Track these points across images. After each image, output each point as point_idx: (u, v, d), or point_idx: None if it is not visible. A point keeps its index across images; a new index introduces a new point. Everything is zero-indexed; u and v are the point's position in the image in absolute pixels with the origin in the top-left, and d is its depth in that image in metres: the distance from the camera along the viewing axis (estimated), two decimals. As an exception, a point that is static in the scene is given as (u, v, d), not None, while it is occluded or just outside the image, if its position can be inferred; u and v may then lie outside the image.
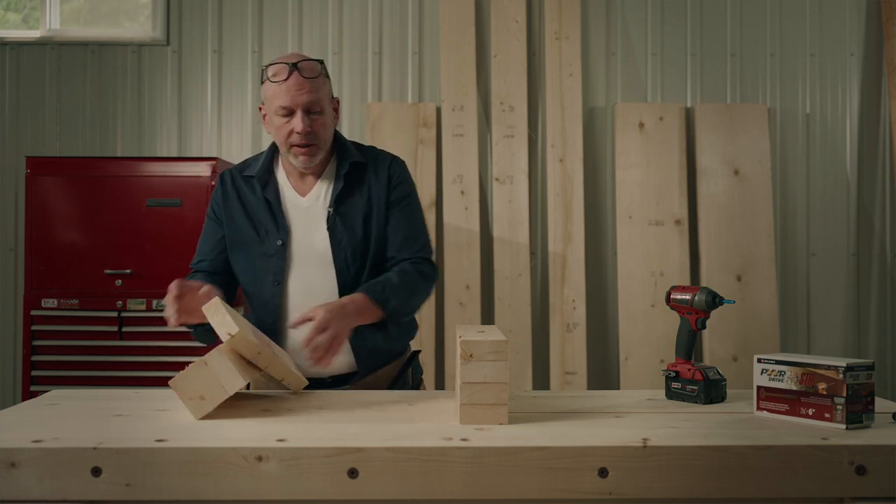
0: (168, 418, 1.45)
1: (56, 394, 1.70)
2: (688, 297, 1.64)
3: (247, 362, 1.57)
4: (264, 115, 1.90)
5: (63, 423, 1.40)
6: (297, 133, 1.82)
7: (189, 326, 1.77)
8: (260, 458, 1.20)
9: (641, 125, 3.86)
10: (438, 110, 3.86)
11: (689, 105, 3.97)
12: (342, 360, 1.86)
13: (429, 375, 3.52)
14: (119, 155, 3.87)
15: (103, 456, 1.20)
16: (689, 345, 1.65)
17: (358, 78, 3.93)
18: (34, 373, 3.25)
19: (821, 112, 4.01)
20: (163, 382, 1.51)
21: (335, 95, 1.95)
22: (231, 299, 1.90)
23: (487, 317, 3.79)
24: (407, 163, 2.03)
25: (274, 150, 1.96)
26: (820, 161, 4.00)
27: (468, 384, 1.39)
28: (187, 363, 1.49)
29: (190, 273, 1.96)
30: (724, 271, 3.78)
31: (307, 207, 1.90)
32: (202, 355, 1.50)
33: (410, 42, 3.95)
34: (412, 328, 2.01)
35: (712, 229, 3.81)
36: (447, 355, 3.66)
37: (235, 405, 1.55)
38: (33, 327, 3.27)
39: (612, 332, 3.89)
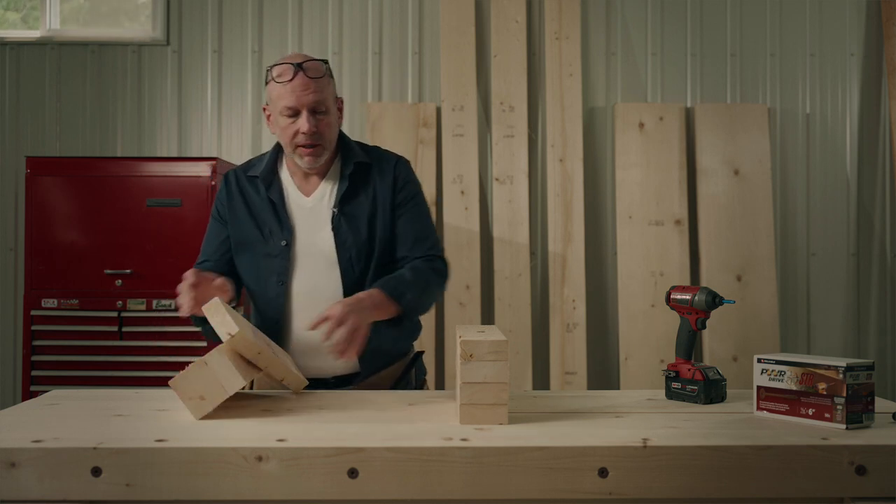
0: (168, 418, 1.45)
1: (56, 394, 1.70)
2: (688, 297, 1.64)
3: (247, 362, 1.57)
4: (268, 116, 1.90)
5: (63, 423, 1.40)
6: (303, 133, 1.82)
7: (197, 321, 1.77)
8: (260, 458, 1.20)
9: (641, 125, 3.86)
10: (438, 110, 3.86)
11: (689, 105, 3.97)
12: (345, 360, 1.86)
13: (429, 376, 3.51)
14: (119, 155, 3.87)
15: (103, 456, 1.20)
16: (689, 345, 1.65)
17: (358, 78, 3.93)
18: (34, 373, 3.25)
19: (821, 112, 4.01)
20: (163, 382, 1.51)
21: (339, 95, 1.94)
22: (237, 299, 1.90)
23: (487, 317, 3.79)
24: (408, 163, 2.03)
25: (278, 150, 1.95)
26: (820, 161, 4.00)
27: (468, 384, 1.39)
28: (187, 363, 1.49)
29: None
30: (724, 271, 3.78)
31: (311, 208, 1.90)
32: (202, 355, 1.50)
33: (410, 42, 3.95)
34: (416, 329, 2.01)
35: (712, 229, 3.81)
36: (447, 355, 3.67)
37: (235, 405, 1.55)
38: (33, 327, 3.27)
39: (612, 332, 3.89)
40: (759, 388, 1.48)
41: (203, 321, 1.77)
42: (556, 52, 3.88)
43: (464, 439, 1.26)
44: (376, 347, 1.84)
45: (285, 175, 1.94)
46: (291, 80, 1.81)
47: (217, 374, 1.47)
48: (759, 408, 1.48)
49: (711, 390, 1.59)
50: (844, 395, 1.35)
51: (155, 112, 3.92)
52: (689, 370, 1.62)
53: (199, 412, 1.44)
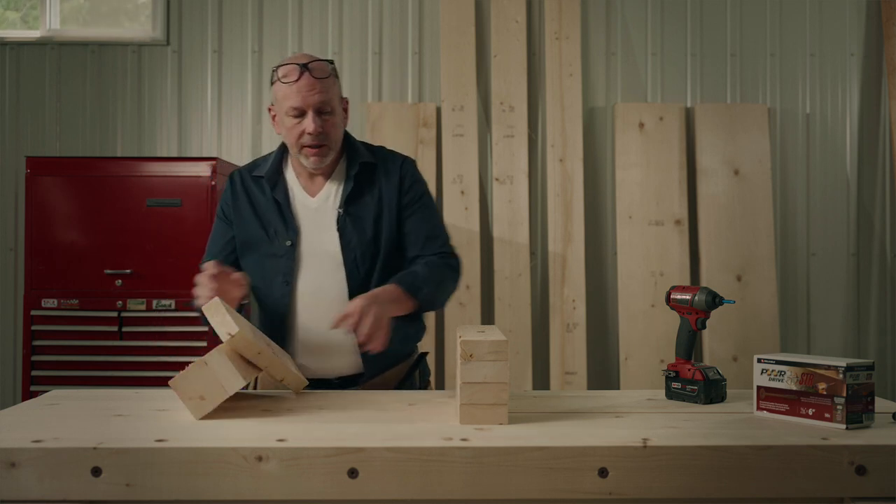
0: (168, 418, 1.45)
1: (56, 394, 1.70)
2: (688, 297, 1.64)
3: (247, 362, 1.57)
4: (274, 116, 1.90)
5: (63, 423, 1.40)
6: (309, 134, 1.82)
7: (206, 318, 1.76)
8: (260, 458, 1.20)
9: (641, 125, 3.86)
10: (438, 110, 3.86)
11: (689, 105, 3.97)
12: (349, 360, 1.86)
13: (431, 376, 3.52)
14: (119, 155, 3.87)
15: (103, 456, 1.20)
16: (689, 345, 1.65)
17: (358, 78, 3.93)
18: (34, 373, 3.25)
19: (821, 112, 4.01)
20: (163, 382, 1.51)
21: (344, 95, 1.94)
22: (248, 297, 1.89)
23: (487, 317, 3.79)
24: (409, 163, 2.03)
25: (283, 150, 1.95)
26: (820, 161, 4.00)
27: (468, 384, 1.39)
28: (187, 363, 1.49)
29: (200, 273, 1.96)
30: (724, 271, 3.78)
31: (317, 208, 1.90)
32: (202, 355, 1.50)
33: (410, 42, 3.95)
34: (420, 330, 2.01)
35: (712, 229, 3.81)
36: (447, 355, 3.67)
37: (235, 405, 1.55)
38: (33, 327, 3.26)
39: (612, 332, 3.89)
40: (759, 388, 1.48)
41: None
42: (556, 52, 3.88)
43: (464, 439, 1.26)
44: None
45: (290, 175, 1.94)
46: (297, 80, 1.81)
47: (217, 374, 1.47)
48: (759, 408, 1.48)
49: (711, 390, 1.59)
50: (844, 395, 1.35)
51: (155, 112, 3.92)
52: (689, 370, 1.62)
53: (199, 412, 1.44)
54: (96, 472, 1.19)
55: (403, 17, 3.95)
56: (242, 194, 1.94)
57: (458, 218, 3.75)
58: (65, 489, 1.19)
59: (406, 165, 1.96)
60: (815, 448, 1.23)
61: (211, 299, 1.61)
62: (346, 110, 1.94)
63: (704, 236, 3.81)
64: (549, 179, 3.82)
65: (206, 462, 1.20)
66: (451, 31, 3.86)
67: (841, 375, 1.36)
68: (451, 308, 3.68)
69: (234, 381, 1.47)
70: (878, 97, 4.01)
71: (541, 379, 3.79)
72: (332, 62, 1.88)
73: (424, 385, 2.02)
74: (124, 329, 3.26)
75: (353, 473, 1.20)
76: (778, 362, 1.46)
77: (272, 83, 1.87)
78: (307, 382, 1.72)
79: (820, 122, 4.01)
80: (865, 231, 4.00)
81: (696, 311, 1.64)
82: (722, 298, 1.62)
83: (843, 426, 1.35)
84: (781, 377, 1.44)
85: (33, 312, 3.27)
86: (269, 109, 1.92)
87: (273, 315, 1.88)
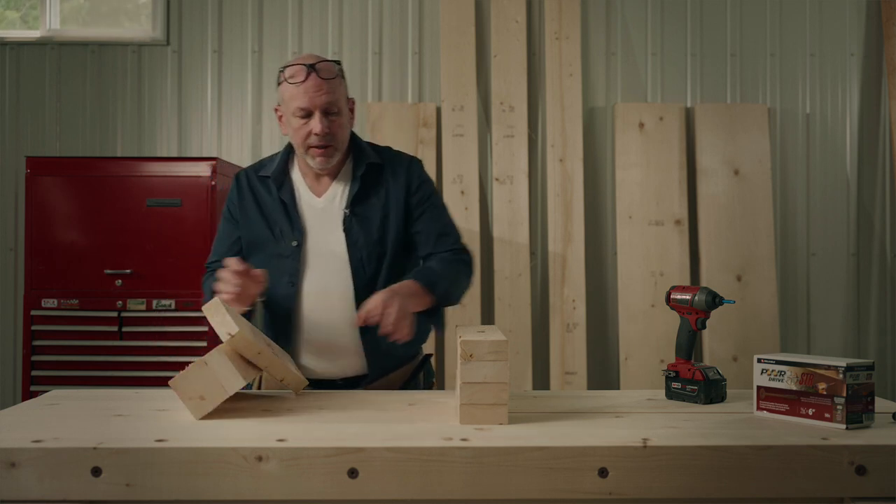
0: (168, 418, 1.45)
1: (56, 394, 1.70)
2: (688, 297, 1.64)
3: (247, 362, 1.57)
4: (280, 117, 1.90)
5: (63, 423, 1.40)
6: (316, 134, 1.82)
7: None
8: (260, 458, 1.20)
9: (641, 125, 3.86)
10: (438, 110, 3.86)
11: (689, 105, 3.97)
12: (354, 362, 1.86)
13: (429, 375, 3.52)
14: (119, 155, 3.87)
15: (103, 456, 1.20)
16: (689, 345, 1.65)
17: (358, 78, 3.93)
18: (34, 373, 3.25)
19: (821, 112, 4.01)
20: (163, 382, 1.51)
21: (350, 96, 1.94)
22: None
23: (487, 317, 3.79)
24: (409, 163, 2.02)
25: (289, 150, 1.95)
26: (820, 161, 4.00)
27: (468, 384, 1.39)
28: (187, 363, 1.49)
29: (206, 273, 1.96)
30: (724, 271, 3.78)
31: (323, 208, 1.90)
32: (202, 355, 1.50)
33: (410, 42, 3.95)
34: (425, 331, 2.00)
35: (712, 229, 3.81)
36: (447, 356, 3.67)
37: (235, 405, 1.55)
38: (33, 327, 3.26)
39: (612, 332, 3.89)
40: (759, 388, 1.48)
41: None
42: (556, 52, 3.88)
43: (464, 439, 1.26)
44: (385, 349, 1.83)
45: (297, 175, 1.94)
46: (304, 81, 1.81)
47: (217, 374, 1.47)
48: (759, 408, 1.48)
49: (711, 390, 1.59)
50: (844, 395, 1.35)
51: (155, 112, 3.92)
52: (689, 370, 1.62)
53: (199, 412, 1.44)
54: (96, 472, 1.19)
55: (403, 17, 3.95)
56: (248, 194, 1.94)
57: (458, 218, 3.71)
58: (65, 489, 1.19)
59: (413, 166, 1.96)
60: (815, 448, 1.23)
61: (236, 295, 1.62)
62: (352, 110, 1.94)
63: (704, 236, 3.81)
64: (549, 179, 3.82)
65: (206, 462, 1.20)
66: (451, 31, 3.86)
67: (841, 375, 1.36)
68: (451, 308, 3.67)
69: (234, 381, 1.47)
70: (878, 97, 4.01)
71: (541, 379, 3.79)
72: (339, 63, 1.88)
73: (429, 387, 2.03)
74: (124, 329, 3.26)
75: (353, 473, 1.20)
76: (778, 362, 1.46)
77: (279, 83, 1.87)
78: (307, 382, 1.72)
79: (820, 122, 4.01)
80: (865, 231, 4.00)
81: (696, 311, 1.64)
82: (722, 298, 1.62)
83: (843, 426, 1.35)
84: (781, 377, 1.44)
85: (33, 312, 3.27)
86: (276, 110, 1.92)
87: (278, 315, 1.88)
